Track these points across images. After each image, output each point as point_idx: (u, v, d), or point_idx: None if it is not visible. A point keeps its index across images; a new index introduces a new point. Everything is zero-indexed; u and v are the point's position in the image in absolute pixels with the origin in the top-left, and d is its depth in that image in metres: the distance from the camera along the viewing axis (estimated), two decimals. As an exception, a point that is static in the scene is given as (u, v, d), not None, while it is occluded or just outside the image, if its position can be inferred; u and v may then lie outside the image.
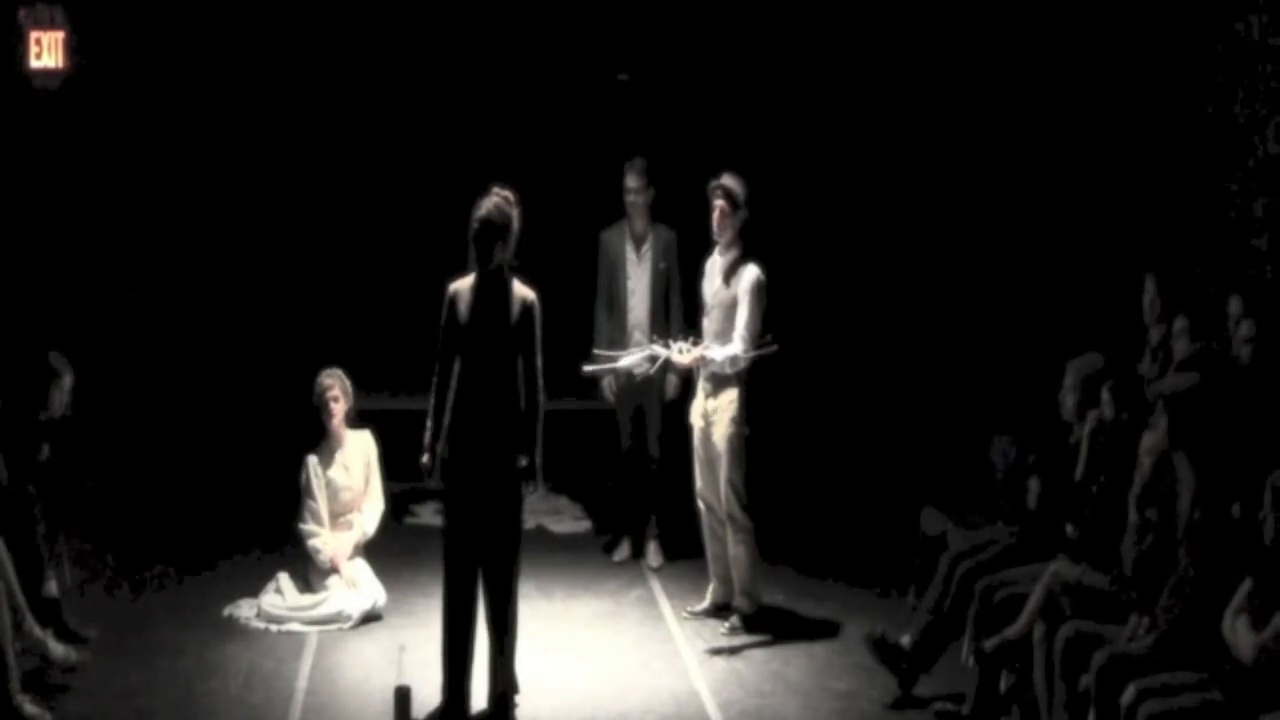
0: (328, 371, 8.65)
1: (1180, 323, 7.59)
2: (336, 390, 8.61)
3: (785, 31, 11.24)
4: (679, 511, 9.13)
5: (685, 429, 8.60)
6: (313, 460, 8.67)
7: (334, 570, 8.55)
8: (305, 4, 11.19)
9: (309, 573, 8.63)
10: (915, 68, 11.07)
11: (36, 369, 8.04)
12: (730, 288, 8.24)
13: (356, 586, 8.54)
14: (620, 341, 9.10)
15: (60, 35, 9.61)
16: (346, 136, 11.36)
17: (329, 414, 8.63)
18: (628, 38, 11.36)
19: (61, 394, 8.06)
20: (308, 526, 8.63)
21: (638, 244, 9.31)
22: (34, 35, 9.59)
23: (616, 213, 9.39)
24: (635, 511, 9.55)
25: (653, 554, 9.48)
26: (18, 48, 9.63)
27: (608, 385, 9.21)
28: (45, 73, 9.66)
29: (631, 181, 9.21)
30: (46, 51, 9.61)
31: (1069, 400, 7.38)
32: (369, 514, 8.76)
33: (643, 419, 9.35)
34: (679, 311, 9.15)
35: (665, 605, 8.83)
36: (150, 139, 11.08)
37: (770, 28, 11.24)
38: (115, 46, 10.47)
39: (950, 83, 10.99)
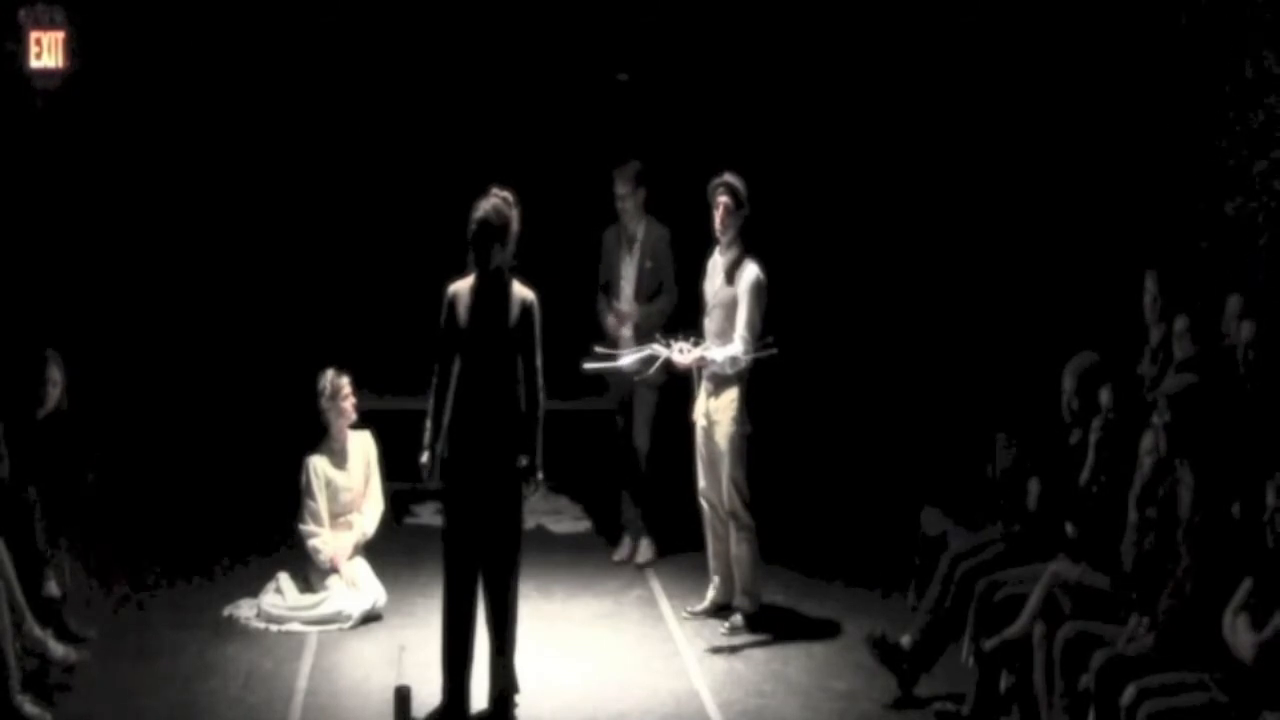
0: (336, 371, 8.66)
1: (1181, 323, 7.59)
2: (350, 389, 8.63)
3: (785, 31, 11.23)
4: (676, 509, 9.16)
5: (682, 425, 8.60)
6: (313, 460, 8.68)
7: (334, 570, 8.55)
8: (305, 4, 11.18)
9: (309, 573, 8.63)
10: (915, 68, 11.06)
11: (34, 368, 8.04)
12: (731, 287, 8.25)
13: (356, 586, 8.54)
14: (614, 338, 9.11)
15: (60, 35, 9.60)
16: (346, 137, 11.35)
17: (340, 413, 8.63)
18: (628, 38, 11.36)
19: (55, 388, 8.05)
20: (308, 527, 8.63)
21: (630, 243, 9.34)
22: (34, 35, 9.58)
23: (615, 212, 9.41)
24: (626, 506, 9.55)
25: (643, 549, 9.47)
26: (18, 48, 9.62)
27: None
28: (45, 73, 9.64)
29: (619, 188, 9.27)
30: (46, 51, 9.59)
31: (1074, 404, 7.38)
32: (369, 514, 8.76)
33: (630, 410, 9.33)
34: (662, 305, 9.11)
35: (665, 605, 8.83)
36: (150, 139, 11.06)
37: (770, 27, 11.23)
38: (115, 46, 10.46)
39: (950, 83, 10.98)
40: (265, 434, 10.35)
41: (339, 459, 8.72)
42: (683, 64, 11.29)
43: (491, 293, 7.11)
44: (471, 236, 7.08)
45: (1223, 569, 6.08)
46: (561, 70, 11.37)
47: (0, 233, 10.33)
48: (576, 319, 9.25)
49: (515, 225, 7.12)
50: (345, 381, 8.64)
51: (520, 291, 7.15)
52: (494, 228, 7.06)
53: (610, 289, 9.39)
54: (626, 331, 9.19)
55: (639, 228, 9.30)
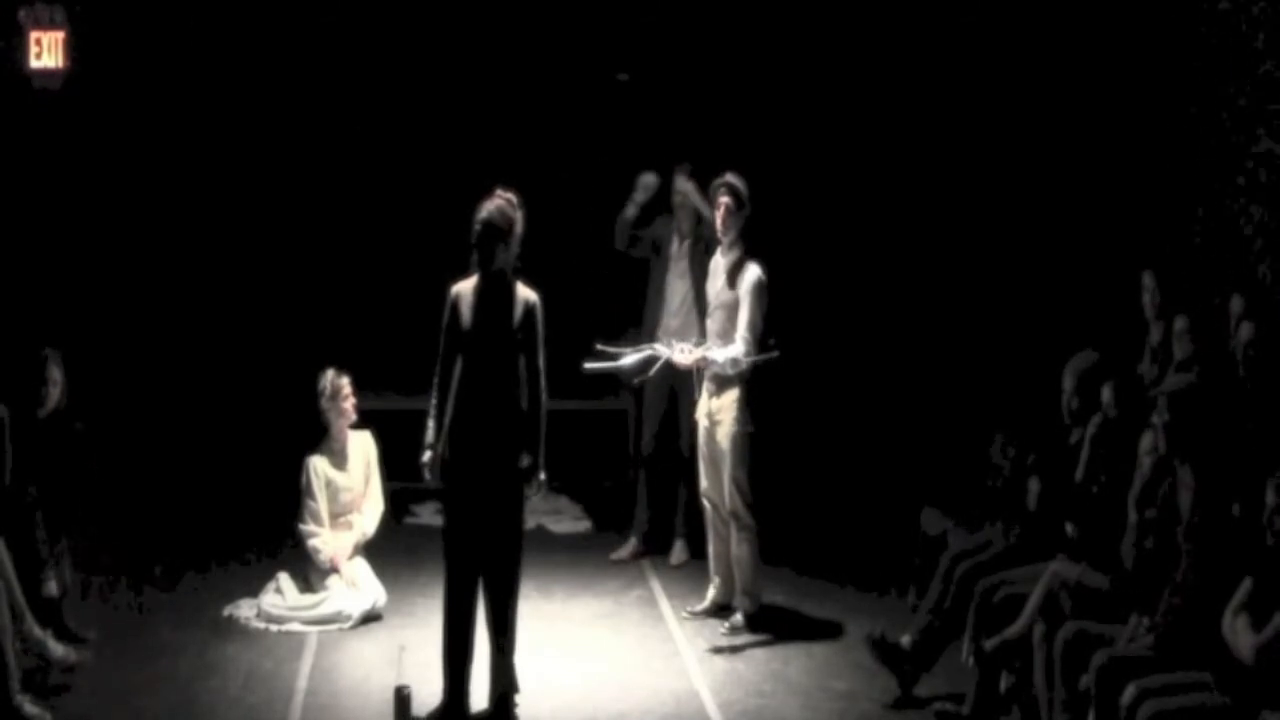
0: (336, 371, 8.66)
1: (1180, 323, 7.59)
2: (350, 389, 8.64)
3: (786, 31, 11.23)
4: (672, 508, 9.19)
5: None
6: (313, 460, 8.68)
7: (334, 570, 8.55)
8: (305, 4, 11.19)
9: (309, 573, 8.63)
10: (915, 68, 11.07)
11: (34, 368, 8.04)
12: (733, 288, 8.25)
13: (356, 586, 8.55)
14: (656, 328, 9.14)
15: (60, 35, 9.58)
16: (348, 137, 11.35)
17: (341, 413, 8.63)
18: (628, 38, 11.36)
19: (55, 387, 8.05)
20: (308, 527, 8.63)
21: (682, 239, 9.32)
22: (34, 35, 9.56)
23: (615, 212, 9.43)
24: (660, 507, 9.53)
25: (678, 551, 9.48)
26: (18, 48, 9.61)
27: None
28: (45, 73, 9.63)
29: (680, 185, 9.23)
30: (46, 51, 9.57)
31: (1074, 403, 7.38)
32: (369, 515, 8.76)
33: (674, 417, 9.31)
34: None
35: (665, 605, 8.83)
36: (150, 139, 11.07)
37: (771, 28, 11.23)
38: (115, 46, 10.46)
39: (950, 83, 10.99)
40: (265, 434, 10.36)
41: (339, 459, 8.72)
42: (683, 64, 11.29)
43: (494, 293, 7.13)
44: (475, 237, 7.09)
45: (1223, 569, 6.08)
46: (562, 70, 11.36)
47: (0, 233, 10.33)
48: (578, 320, 9.25)
49: (519, 227, 7.15)
50: (345, 382, 8.65)
51: (523, 292, 7.16)
52: (498, 229, 7.07)
53: (658, 287, 9.33)
54: (676, 322, 9.15)
55: (694, 226, 9.26)
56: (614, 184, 9.54)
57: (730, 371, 8.22)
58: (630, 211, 9.34)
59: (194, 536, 9.81)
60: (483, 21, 11.29)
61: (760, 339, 8.19)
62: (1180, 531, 6.33)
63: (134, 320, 11.07)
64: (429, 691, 7.26)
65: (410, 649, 7.68)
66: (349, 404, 8.65)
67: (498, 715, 7.26)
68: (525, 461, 7.14)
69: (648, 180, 9.32)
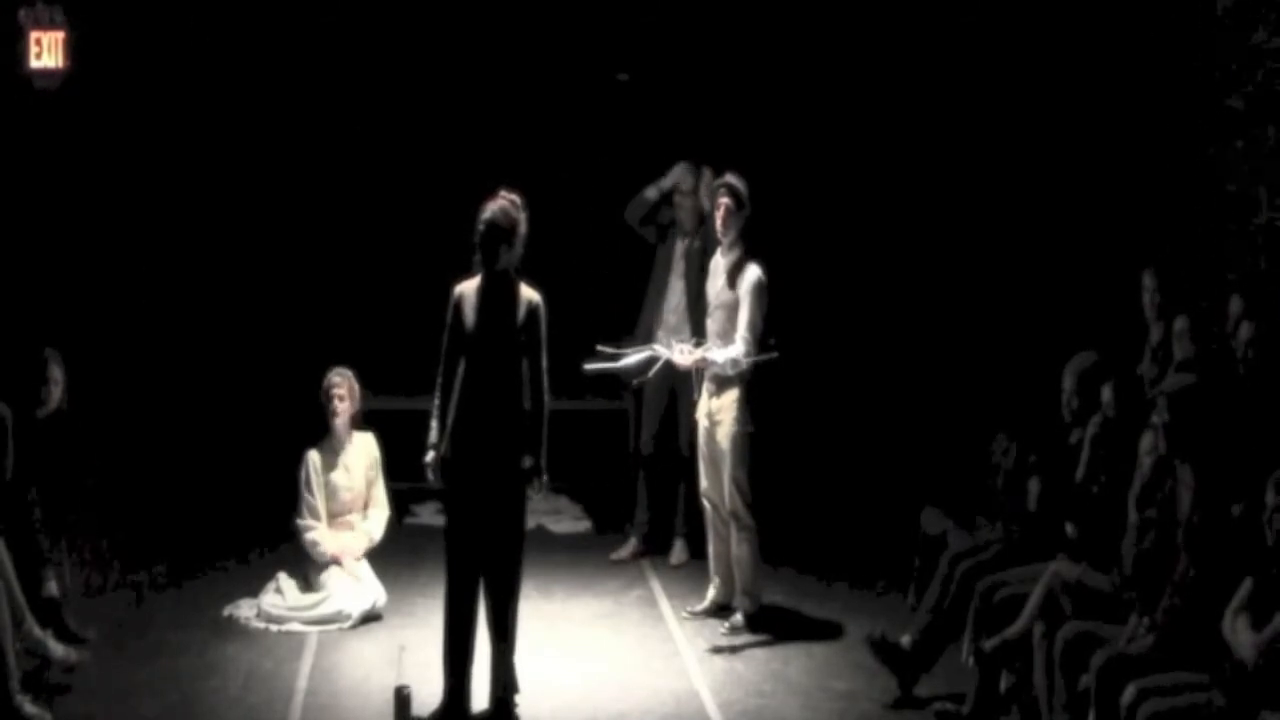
0: (338, 370, 8.66)
1: (1181, 323, 7.60)
2: (343, 390, 8.63)
3: (786, 31, 11.23)
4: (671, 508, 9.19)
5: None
6: (313, 455, 8.68)
7: (335, 562, 8.54)
8: (305, 4, 11.18)
9: (308, 571, 8.63)
10: (916, 68, 11.07)
11: (35, 368, 8.04)
12: (733, 288, 8.25)
13: (358, 581, 8.54)
14: (654, 326, 9.17)
15: (60, 35, 9.57)
16: (349, 137, 11.34)
17: (332, 412, 8.64)
18: (628, 38, 11.36)
19: (56, 387, 8.06)
20: (305, 521, 8.63)
21: (684, 237, 9.32)
22: (34, 35, 9.56)
23: (617, 211, 9.42)
24: (660, 507, 9.53)
25: (678, 551, 9.48)
26: (18, 48, 9.61)
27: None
28: (45, 73, 9.62)
29: (683, 185, 9.23)
30: (46, 51, 9.57)
31: (1074, 403, 7.39)
32: (374, 519, 8.75)
33: (674, 417, 9.32)
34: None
35: (665, 605, 8.83)
36: (150, 138, 11.06)
37: (771, 28, 11.23)
38: (115, 46, 10.46)
39: (950, 83, 10.99)
40: (266, 434, 10.35)
41: (338, 457, 8.72)
42: (683, 64, 11.29)
43: (497, 294, 7.13)
44: (479, 238, 7.10)
45: (1223, 569, 6.09)
46: (562, 70, 11.35)
47: (0, 233, 10.33)
48: (580, 320, 9.24)
49: (523, 228, 7.16)
50: (337, 381, 8.63)
51: (526, 293, 7.17)
52: (501, 229, 7.08)
53: (659, 287, 9.34)
54: (675, 319, 9.17)
55: (698, 227, 9.25)
56: (614, 184, 9.52)
57: (730, 372, 8.22)
58: (650, 194, 9.35)
59: (194, 536, 9.81)
60: (483, 22, 11.29)
61: (760, 339, 8.20)
62: (1180, 531, 6.33)
63: (134, 320, 11.06)
64: (429, 691, 7.26)
65: (410, 649, 7.68)
66: (336, 404, 8.62)
67: (498, 715, 7.26)
68: (527, 462, 7.14)
69: (680, 170, 9.32)
